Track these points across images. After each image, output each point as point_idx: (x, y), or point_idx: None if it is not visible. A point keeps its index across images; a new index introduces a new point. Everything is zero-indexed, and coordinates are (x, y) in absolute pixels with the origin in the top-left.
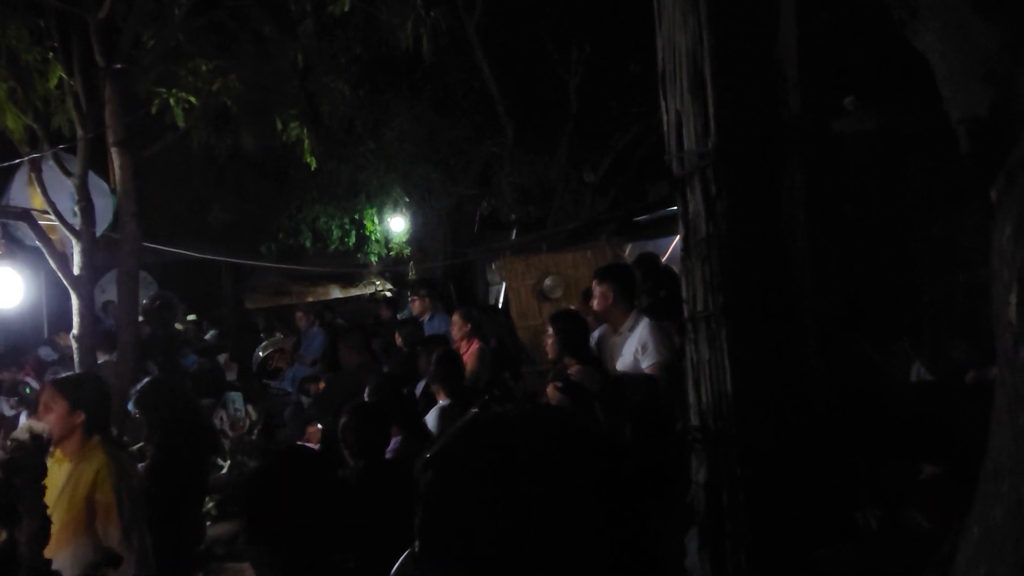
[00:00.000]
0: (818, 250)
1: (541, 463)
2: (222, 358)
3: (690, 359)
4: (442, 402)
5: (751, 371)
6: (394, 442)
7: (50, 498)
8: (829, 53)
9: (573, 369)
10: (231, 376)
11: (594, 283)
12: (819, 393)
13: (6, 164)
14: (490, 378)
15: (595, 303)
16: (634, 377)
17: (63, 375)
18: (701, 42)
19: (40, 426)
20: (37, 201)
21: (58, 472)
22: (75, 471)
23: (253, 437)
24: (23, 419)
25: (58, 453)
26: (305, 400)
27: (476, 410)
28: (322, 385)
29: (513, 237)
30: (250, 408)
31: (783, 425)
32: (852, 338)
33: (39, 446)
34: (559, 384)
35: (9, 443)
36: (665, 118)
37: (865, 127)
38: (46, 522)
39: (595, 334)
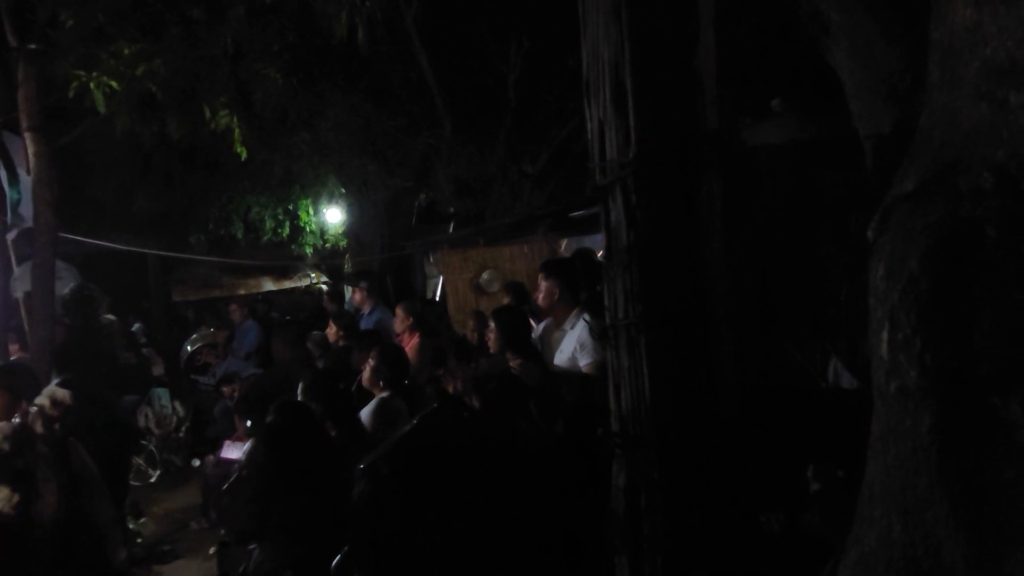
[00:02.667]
0: (734, 257)
1: (472, 471)
2: (146, 351)
3: (611, 366)
4: (382, 395)
5: (668, 378)
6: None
7: None
8: (752, 59)
9: (514, 363)
10: (158, 371)
11: (540, 278)
12: (732, 398)
13: None
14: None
15: (540, 298)
16: (571, 375)
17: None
18: (623, 54)
19: (62, 393)
20: None
21: None
22: None
23: (181, 435)
24: None
25: None
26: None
27: (414, 422)
28: (234, 390)
29: (451, 230)
30: (177, 404)
31: (698, 430)
32: (773, 340)
33: (59, 411)
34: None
35: (34, 409)
36: (589, 126)
37: (776, 139)
38: (73, 481)
39: (540, 326)
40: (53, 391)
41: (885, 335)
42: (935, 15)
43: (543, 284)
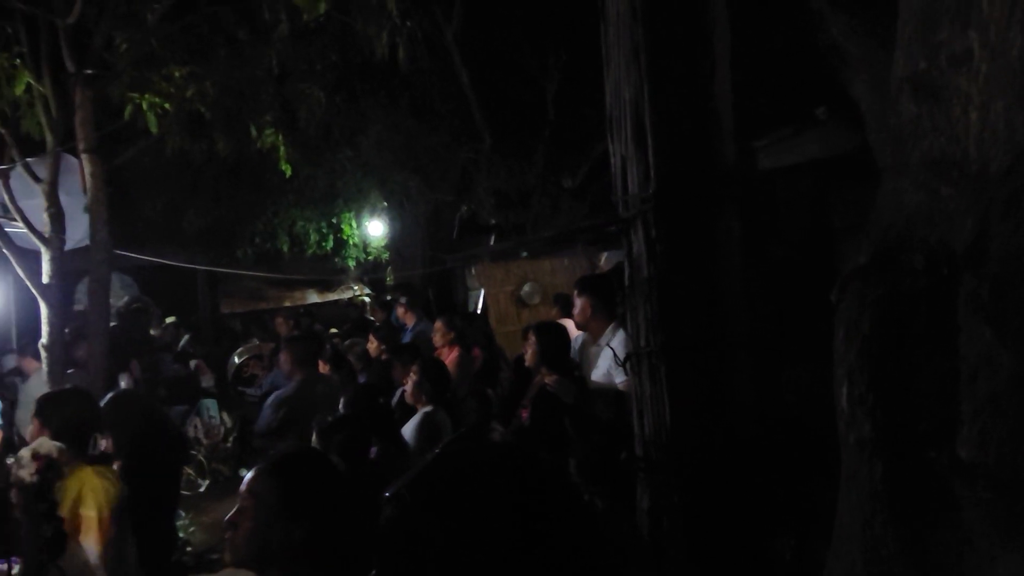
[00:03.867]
0: (751, 286)
1: (499, 503)
2: (194, 364)
3: (635, 392)
4: (425, 409)
5: (688, 404)
6: (371, 453)
7: None
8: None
9: (550, 380)
10: (207, 383)
11: (575, 294)
12: (749, 424)
13: None
14: (471, 386)
15: (575, 314)
16: (606, 392)
17: (45, 395)
18: (643, 93)
19: (48, 446)
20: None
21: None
22: (63, 486)
23: (228, 445)
24: None
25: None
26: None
27: (438, 450)
28: None
29: (492, 242)
30: (225, 415)
31: (717, 455)
32: (790, 367)
33: (40, 464)
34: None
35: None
36: (612, 161)
37: (820, 152)
38: (59, 534)
39: (578, 340)
40: (40, 443)
41: (844, 390)
42: (892, 104)
43: (578, 301)
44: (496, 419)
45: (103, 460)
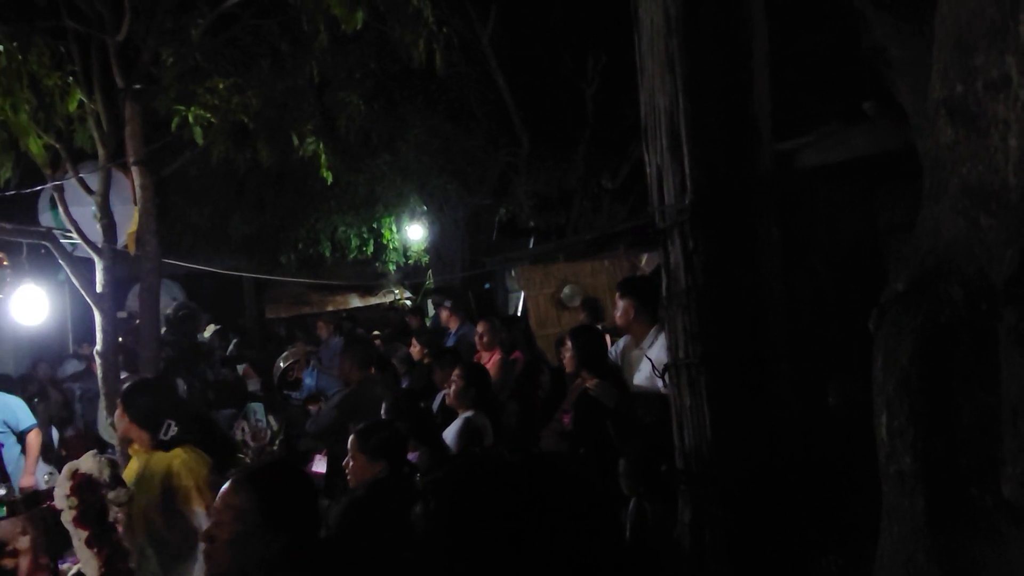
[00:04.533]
0: (793, 296)
1: (532, 511)
2: (241, 368)
3: (674, 404)
4: (466, 414)
5: (729, 417)
6: (412, 458)
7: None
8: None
9: (590, 383)
10: (254, 387)
11: (616, 296)
12: (793, 437)
13: (31, 190)
14: (512, 390)
15: (617, 317)
16: (649, 395)
17: (129, 384)
18: (677, 104)
19: (88, 465)
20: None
21: (135, 463)
22: (150, 461)
23: (275, 448)
24: (54, 431)
25: (135, 446)
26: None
27: (477, 451)
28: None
29: (531, 245)
30: (271, 419)
31: (759, 469)
32: (834, 379)
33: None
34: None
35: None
36: (648, 171)
37: (868, 148)
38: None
39: (620, 343)
40: (82, 461)
41: (884, 420)
42: (927, 127)
43: (619, 303)
44: (537, 422)
45: (173, 445)
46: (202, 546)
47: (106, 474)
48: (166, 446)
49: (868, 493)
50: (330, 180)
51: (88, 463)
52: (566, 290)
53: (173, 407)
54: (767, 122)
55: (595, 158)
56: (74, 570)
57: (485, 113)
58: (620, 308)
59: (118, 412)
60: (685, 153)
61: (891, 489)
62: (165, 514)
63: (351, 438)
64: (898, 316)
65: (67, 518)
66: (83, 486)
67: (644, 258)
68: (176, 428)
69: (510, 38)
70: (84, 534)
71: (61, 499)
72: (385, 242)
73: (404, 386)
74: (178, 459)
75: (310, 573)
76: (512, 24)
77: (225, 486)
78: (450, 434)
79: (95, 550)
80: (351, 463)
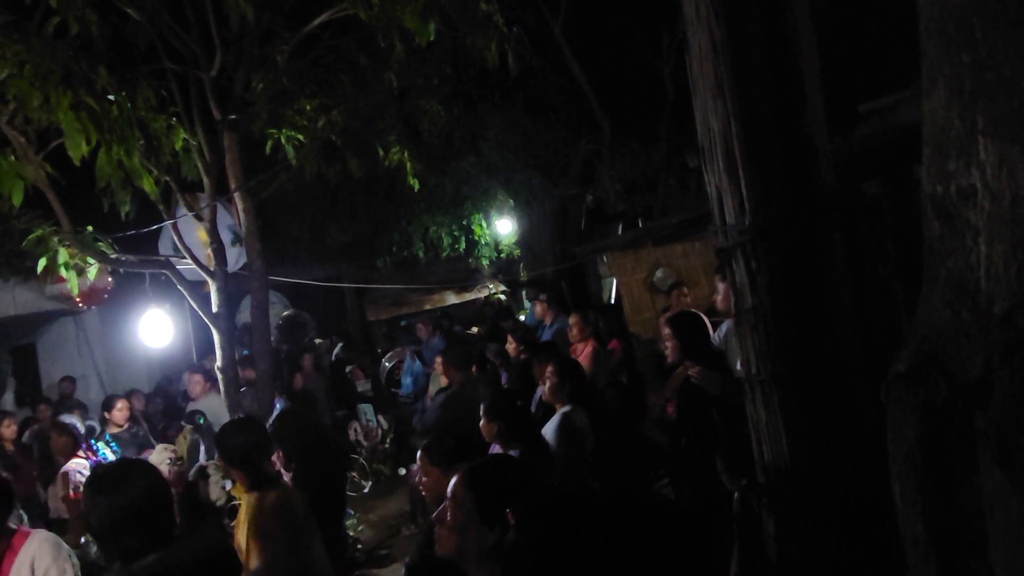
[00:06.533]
0: (864, 308)
1: (614, 548)
2: (349, 369)
3: (751, 419)
4: (564, 409)
5: (805, 433)
6: (513, 455)
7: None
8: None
9: (693, 371)
10: (363, 388)
11: (716, 279)
12: (873, 451)
13: (151, 228)
14: (607, 380)
15: (719, 300)
16: None
17: (224, 425)
18: (730, 127)
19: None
20: (202, 234)
21: (243, 501)
22: (247, 499)
23: (386, 446)
24: (202, 448)
25: (237, 485)
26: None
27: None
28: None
29: (620, 231)
30: (381, 418)
31: (840, 483)
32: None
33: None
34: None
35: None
36: (709, 191)
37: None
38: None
39: (723, 327)
40: (166, 446)
41: (897, 490)
42: (923, 217)
43: (720, 286)
44: (633, 410)
45: (274, 481)
46: (435, 527)
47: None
48: (260, 486)
49: None
50: (416, 187)
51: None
52: (658, 273)
53: (266, 444)
54: (823, 137)
55: (678, 136)
56: None
57: (563, 103)
58: (721, 291)
59: (217, 455)
60: (741, 174)
61: (909, 551)
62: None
63: (419, 456)
64: (901, 395)
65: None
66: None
67: None
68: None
69: (582, 25)
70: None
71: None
72: (476, 238)
73: (504, 382)
74: (249, 511)
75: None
76: (583, 10)
77: (455, 477)
78: (549, 431)
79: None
80: (424, 479)
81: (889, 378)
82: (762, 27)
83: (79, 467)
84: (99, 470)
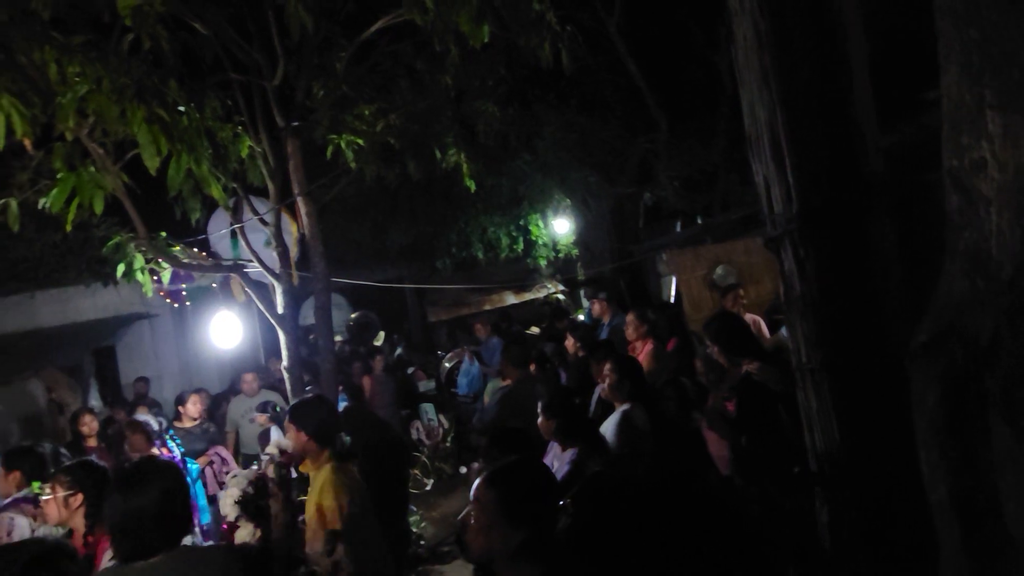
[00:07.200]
0: (916, 295)
1: (661, 531)
2: (411, 370)
3: (802, 407)
4: (623, 408)
5: (857, 420)
6: (571, 453)
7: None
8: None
9: (753, 367)
10: (424, 387)
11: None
12: None
13: (222, 232)
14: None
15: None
16: None
17: (296, 403)
18: (776, 116)
19: (286, 442)
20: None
21: (311, 481)
22: (314, 480)
23: (448, 445)
24: (273, 433)
25: (308, 464)
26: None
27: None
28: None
29: (678, 228)
30: (442, 417)
31: (894, 471)
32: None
33: (287, 459)
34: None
35: (265, 456)
36: (756, 180)
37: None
38: (295, 518)
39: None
40: (279, 441)
41: (923, 456)
42: (944, 190)
43: None
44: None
45: (348, 457)
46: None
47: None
48: (338, 458)
49: None
50: (473, 188)
51: (284, 442)
52: (719, 270)
53: (339, 421)
54: (871, 124)
55: (737, 130)
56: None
57: (619, 101)
58: None
59: (291, 429)
60: (787, 164)
61: (935, 515)
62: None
63: (479, 457)
64: (923, 364)
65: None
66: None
67: None
68: (347, 441)
69: (637, 21)
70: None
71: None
72: (534, 238)
73: (563, 380)
74: (330, 478)
75: (545, 566)
76: (637, 6)
77: (477, 479)
78: (608, 428)
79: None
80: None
81: (912, 348)
82: (807, 15)
83: None
84: (122, 469)
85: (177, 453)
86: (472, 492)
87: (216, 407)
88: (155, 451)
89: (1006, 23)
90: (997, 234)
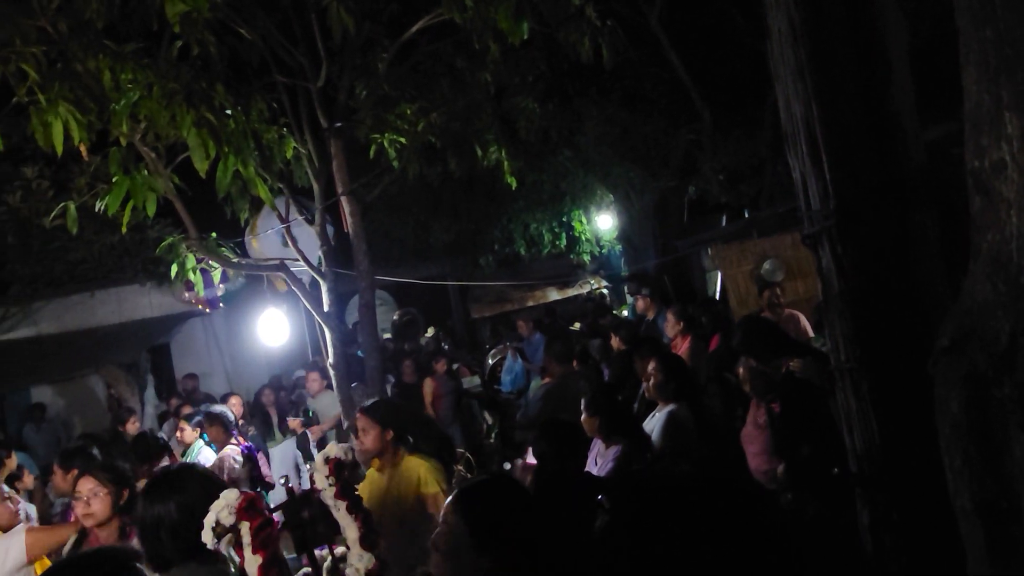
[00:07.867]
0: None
1: (702, 529)
2: (456, 366)
3: (841, 407)
4: (669, 407)
5: (897, 420)
6: (615, 451)
7: (373, 501)
8: None
9: (794, 364)
10: (469, 383)
11: None
12: None
13: (270, 231)
14: (709, 374)
15: None
16: None
17: (367, 403)
18: (812, 111)
19: (336, 449)
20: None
21: (379, 479)
22: (395, 475)
23: (491, 441)
24: (310, 434)
25: (377, 463)
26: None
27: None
28: None
29: (723, 222)
30: (486, 413)
31: (933, 474)
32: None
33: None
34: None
35: (308, 467)
36: (794, 176)
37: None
38: (369, 519)
39: None
40: (329, 449)
41: (946, 461)
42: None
43: None
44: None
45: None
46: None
47: (349, 455)
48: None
49: None
50: (514, 184)
51: (335, 449)
52: (766, 265)
53: (406, 420)
54: (912, 116)
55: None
56: (328, 559)
57: (661, 94)
58: None
59: (373, 427)
60: (824, 159)
61: (959, 521)
62: (418, 521)
63: (529, 450)
64: (945, 368)
65: (329, 495)
66: (336, 468)
67: None
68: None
69: (678, 13)
70: (344, 504)
71: (322, 481)
72: (576, 234)
73: (605, 376)
74: (423, 467)
75: None
76: None
77: (447, 500)
78: (655, 427)
79: (353, 516)
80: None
81: (935, 351)
82: (843, 5)
83: (232, 453)
84: (153, 474)
85: (250, 444)
86: (442, 511)
87: (257, 405)
88: (232, 441)
89: (1018, 23)
90: (1018, 237)
